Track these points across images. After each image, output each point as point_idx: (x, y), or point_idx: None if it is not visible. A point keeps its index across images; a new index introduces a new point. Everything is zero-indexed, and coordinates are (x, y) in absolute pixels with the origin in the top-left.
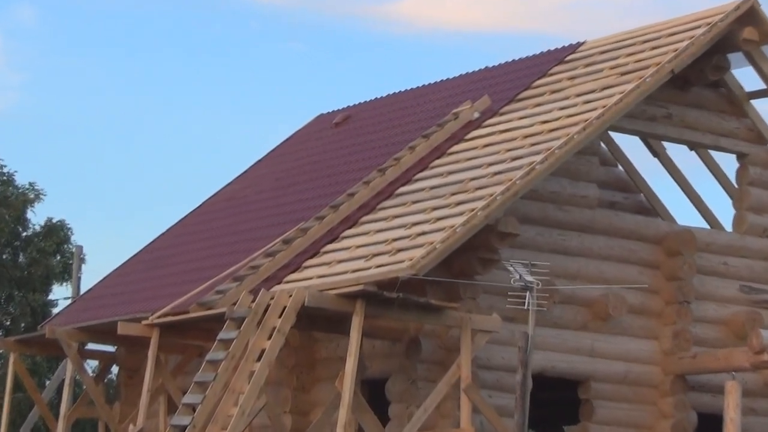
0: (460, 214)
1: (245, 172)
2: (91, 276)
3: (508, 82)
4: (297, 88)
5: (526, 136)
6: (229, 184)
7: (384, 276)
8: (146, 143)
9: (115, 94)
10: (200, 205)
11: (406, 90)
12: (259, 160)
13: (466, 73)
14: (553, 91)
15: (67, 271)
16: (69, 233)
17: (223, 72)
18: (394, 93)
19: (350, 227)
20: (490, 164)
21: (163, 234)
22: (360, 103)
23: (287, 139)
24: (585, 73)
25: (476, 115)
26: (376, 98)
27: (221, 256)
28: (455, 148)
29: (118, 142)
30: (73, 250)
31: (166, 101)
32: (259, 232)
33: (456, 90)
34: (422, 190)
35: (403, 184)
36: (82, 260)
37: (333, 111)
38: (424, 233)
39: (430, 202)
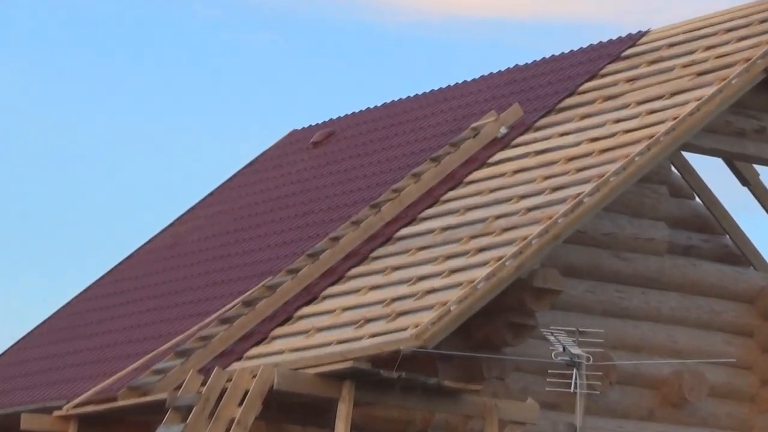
0: (483, 264)
1: (192, 209)
2: None
3: (546, 86)
4: (264, 95)
5: (571, 159)
6: (171, 225)
7: (380, 349)
8: (58, 165)
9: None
10: (132, 254)
11: (407, 98)
12: (212, 193)
13: (489, 74)
14: (607, 98)
15: None
16: None
17: (161, 71)
18: (392, 102)
19: (334, 283)
20: (523, 197)
21: (81, 293)
22: (346, 116)
23: (250, 164)
24: (649, 73)
25: (503, 130)
26: (367, 109)
27: (160, 323)
28: (475, 175)
29: (22, 163)
30: None
31: (78, 110)
32: (212, 290)
33: (475, 97)
34: (431, 232)
35: (406, 225)
36: None
37: (310, 126)
38: (434, 290)
39: (442, 248)
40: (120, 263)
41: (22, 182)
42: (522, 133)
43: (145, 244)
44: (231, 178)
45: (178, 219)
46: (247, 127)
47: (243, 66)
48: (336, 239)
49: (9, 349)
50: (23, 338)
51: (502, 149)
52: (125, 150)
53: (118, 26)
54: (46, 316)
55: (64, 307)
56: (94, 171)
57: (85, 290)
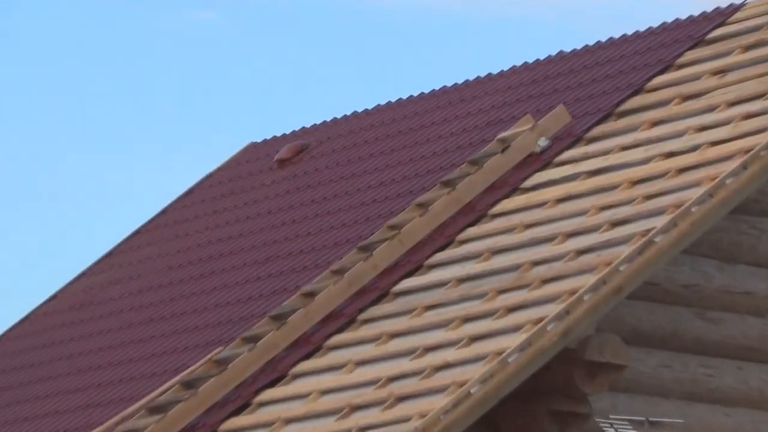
0: (516, 329)
1: (109, 254)
2: None
3: (602, 82)
4: (208, 95)
5: (637, 182)
6: (80, 276)
7: None
8: None
9: None
10: (27, 316)
11: (408, 99)
12: (137, 232)
13: (522, 65)
14: (686, 97)
15: None
16: None
17: (68, 62)
18: (386, 105)
19: (309, 356)
20: (570, 235)
21: (23, 320)
22: (324, 124)
23: (188, 192)
24: (745, 62)
25: (543, 143)
26: (353, 115)
27: (62, 413)
28: (504, 205)
29: None
30: None
31: None
32: (136, 368)
33: (503, 97)
34: (443, 284)
35: (408, 275)
36: None
37: (274, 138)
38: (447, 366)
39: (459, 307)
40: (9, 330)
41: None
42: (569, 147)
43: (43, 304)
44: (162, 213)
45: (89, 268)
46: (185, 142)
47: (173, 55)
48: (311, 295)
49: None
50: None
51: (541, 169)
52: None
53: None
54: None
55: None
56: None
57: (24, 318)
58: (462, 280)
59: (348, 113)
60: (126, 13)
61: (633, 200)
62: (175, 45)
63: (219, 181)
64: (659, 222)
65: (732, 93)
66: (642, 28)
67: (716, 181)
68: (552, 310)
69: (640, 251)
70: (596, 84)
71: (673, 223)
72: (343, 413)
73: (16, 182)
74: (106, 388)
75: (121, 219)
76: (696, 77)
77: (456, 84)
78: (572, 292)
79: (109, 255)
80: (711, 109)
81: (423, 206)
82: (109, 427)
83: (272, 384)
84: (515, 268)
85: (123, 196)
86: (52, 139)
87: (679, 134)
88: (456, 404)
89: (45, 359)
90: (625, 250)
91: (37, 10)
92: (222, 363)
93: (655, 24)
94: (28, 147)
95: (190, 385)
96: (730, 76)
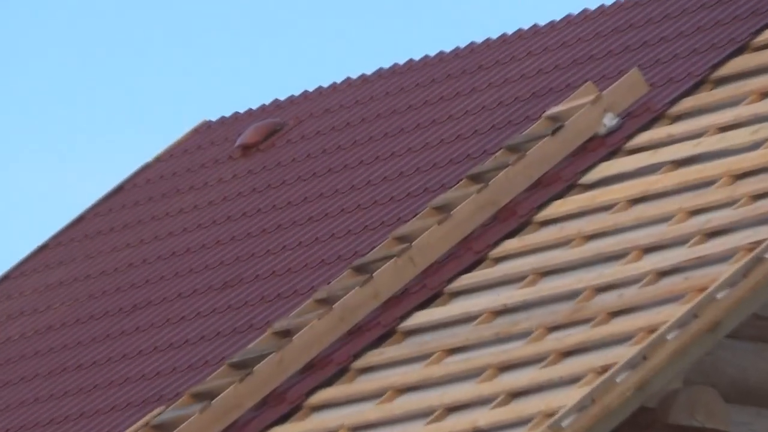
0: (572, 380)
1: (1, 279)
2: None
3: (690, 35)
4: (145, 59)
5: (739, 177)
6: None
7: None
8: None
9: None
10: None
11: (420, 61)
12: (43, 247)
13: (579, 13)
14: None
15: None
16: None
17: None
18: (391, 68)
19: (282, 420)
20: (648, 249)
21: None
22: (303, 95)
23: (114, 191)
24: None
25: (610, 122)
26: (343, 82)
27: None
28: (556, 208)
29: None
30: None
31: None
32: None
33: (552, 58)
34: (470, 319)
35: (421, 306)
36: None
37: (235, 115)
38: None
39: (493, 350)
40: None
41: None
42: (646, 127)
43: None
44: (77, 221)
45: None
46: (110, 123)
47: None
48: (286, 334)
49: None
50: None
51: (607, 158)
52: None
53: None
54: None
55: None
56: None
57: None
58: (497, 313)
59: (337, 81)
60: None
61: (735, 202)
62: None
63: (159, 176)
64: None
65: None
66: None
67: None
68: (623, 354)
69: (745, 273)
70: (684, 39)
71: None
72: None
73: None
74: None
75: (21, 231)
76: None
77: (489, 40)
78: (650, 330)
79: (4, 280)
80: None
81: (442, 210)
82: None
83: None
84: (571, 296)
85: (25, 199)
86: None
87: None
88: None
89: None
90: (725, 271)
91: None
92: (162, 429)
93: None
94: None
95: None
96: None
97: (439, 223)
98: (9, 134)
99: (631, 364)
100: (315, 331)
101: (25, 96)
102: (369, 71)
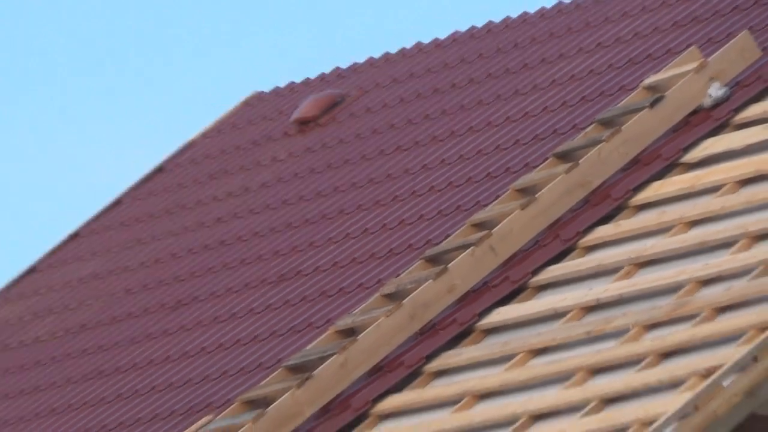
0: (673, 386)
1: (29, 272)
2: None
3: None
4: (189, 30)
5: None
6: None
7: None
8: None
9: None
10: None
11: (500, 22)
12: (73, 236)
13: None
14: None
15: None
16: None
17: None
18: (468, 32)
19: (346, 430)
20: (760, 237)
21: None
22: (368, 63)
23: (156, 171)
24: None
25: (717, 92)
26: (413, 48)
27: None
28: (655, 189)
29: None
30: None
31: None
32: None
33: (652, 18)
34: (557, 316)
35: (502, 302)
36: None
37: (291, 85)
38: None
39: (583, 351)
40: None
41: None
42: (757, 98)
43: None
44: (114, 205)
45: (38, 261)
46: (152, 92)
47: None
48: (350, 333)
49: None
50: None
51: (713, 133)
52: None
53: None
54: None
55: None
56: None
57: None
58: (587, 309)
59: (407, 47)
60: None
61: None
62: None
63: (204, 155)
64: None
65: None
66: None
67: None
68: (730, 355)
69: None
70: None
71: None
72: None
73: None
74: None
75: (49, 218)
76: None
77: (574, 0)
78: (762, 328)
79: (31, 272)
80: None
81: (526, 192)
82: None
83: None
84: (672, 289)
85: (54, 181)
86: None
87: None
88: None
89: None
90: None
91: None
92: None
93: None
94: None
95: None
96: None
97: (523, 207)
98: (38, 106)
99: (740, 366)
100: (382, 329)
101: (57, 66)
102: (443, 35)
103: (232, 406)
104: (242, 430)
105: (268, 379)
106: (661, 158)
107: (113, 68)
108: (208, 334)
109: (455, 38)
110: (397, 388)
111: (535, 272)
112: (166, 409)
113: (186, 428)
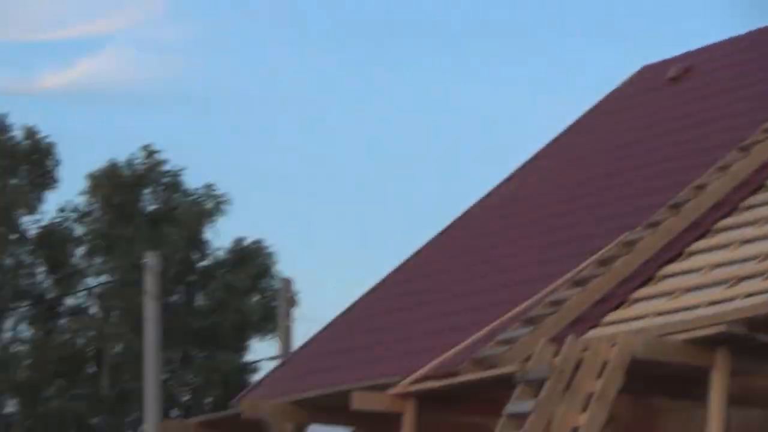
0: None
1: (530, 160)
2: (306, 324)
3: None
4: (615, 27)
5: None
6: (506, 180)
7: (757, 310)
8: (372, 127)
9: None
10: (467, 211)
11: None
12: (553, 142)
13: None
14: None
15: (271, 318)
16: (271, 261)
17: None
18: None
19: (701, 237)
20: None
21: (414, 255)
22: (707, 47)
23: (593, 108)
24: None
25: None
26: (735, 37)
27: (503, 287)
28: None
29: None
30: (279, 285)
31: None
32: (556, 250)
33: None
34: None
35: None
36: (292, 301)
37: (665, 60)
38: None
39: None
40: (452, 223)
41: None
42: None
43: (478, 202)
44: (572, 125)
45: (511, 175)
46: (594, 65)
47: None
48: (701, 187)
49: (335, 320)
50: (350, 308)
51: None
52: (451, 105)
53: None
54: (372, 283)
55: (394, 271)
56: (421, 125)
57: (416, 252)
58: None
59: (727, 38)
60: None
61: None
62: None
63: (617, 97)
64: None
65: None
66: None
67: None
68: None
69: None
70: None
71: None
72: (731, 283)
73: None
74: (530, 267)
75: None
76: None
77: None
78: None
79: (530, 161)
80: None
81: None
82: (540, 298)
83: (670, 261)
84: None
85: (538, 116)
86: None
87: None
88: None
89: (483, 245)
90: None
91: None
92: (629, 244)
93: None
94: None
95: (604, 262)
96: None
97: None
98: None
99: None
100: (718, 184)
101: None
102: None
103: None
104: (571, 300)
105: (584, 269)
106: None
107: None
108: None
109: (746, 38)
110: None
111: None
112: None
113: None
